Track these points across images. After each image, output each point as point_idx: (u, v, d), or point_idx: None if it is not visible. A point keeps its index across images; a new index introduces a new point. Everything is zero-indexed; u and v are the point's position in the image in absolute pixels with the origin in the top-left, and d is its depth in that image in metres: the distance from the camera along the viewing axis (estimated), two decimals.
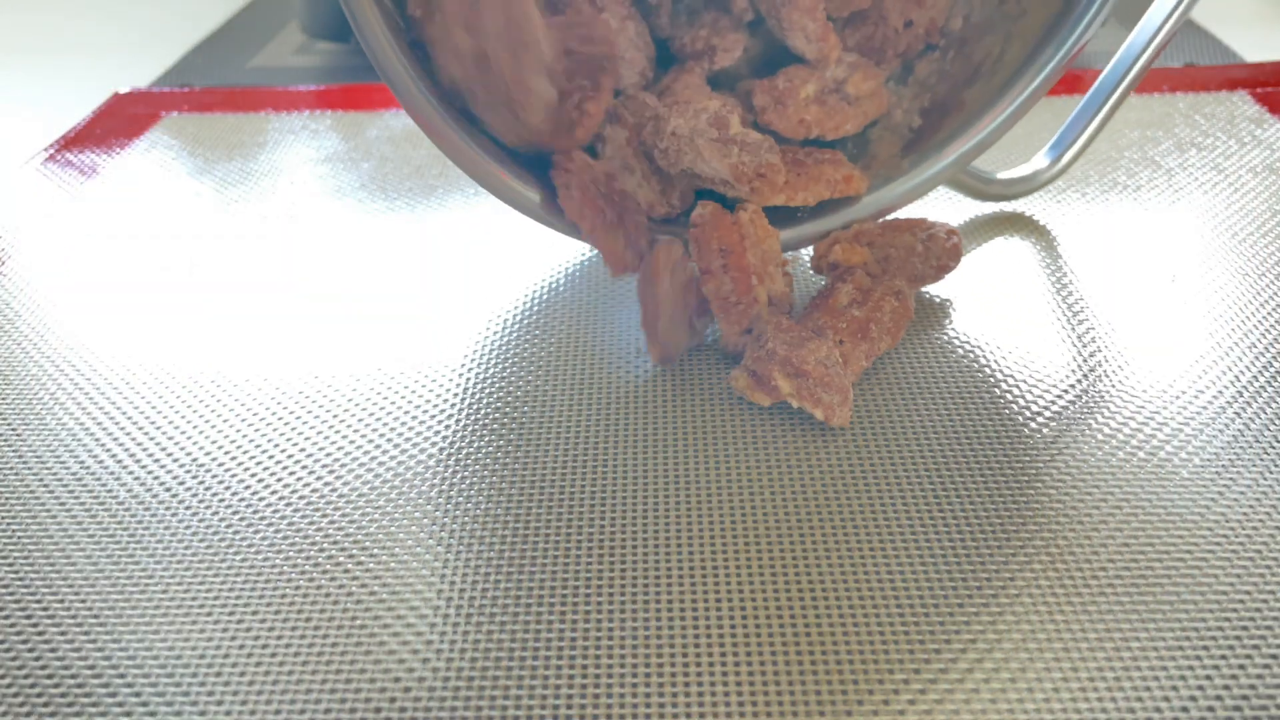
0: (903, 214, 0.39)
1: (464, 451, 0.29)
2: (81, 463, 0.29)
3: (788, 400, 0.29)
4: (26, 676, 0.23)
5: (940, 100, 0.35)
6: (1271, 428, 0.29)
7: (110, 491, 0.28)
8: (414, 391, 0.32)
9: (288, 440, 0.30)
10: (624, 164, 0.32)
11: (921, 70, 0.36)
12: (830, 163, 0.33)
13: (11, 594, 0.25)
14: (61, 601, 0.25)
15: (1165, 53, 0.64)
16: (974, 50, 0.35)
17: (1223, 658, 0.22)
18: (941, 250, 0.34)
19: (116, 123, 0.53)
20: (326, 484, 0.28)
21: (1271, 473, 0.27)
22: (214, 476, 0.29)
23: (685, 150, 0.30)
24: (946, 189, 0.42)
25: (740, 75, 0.36)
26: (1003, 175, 0.40)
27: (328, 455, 0.29)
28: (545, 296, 0.37)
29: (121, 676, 0.23)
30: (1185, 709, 0.21)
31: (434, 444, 0.30)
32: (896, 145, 0.35)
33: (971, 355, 0.33)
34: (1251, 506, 0.26)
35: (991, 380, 0.31)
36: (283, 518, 0.27)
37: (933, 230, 0.34)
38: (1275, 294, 0.35)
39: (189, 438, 0.30)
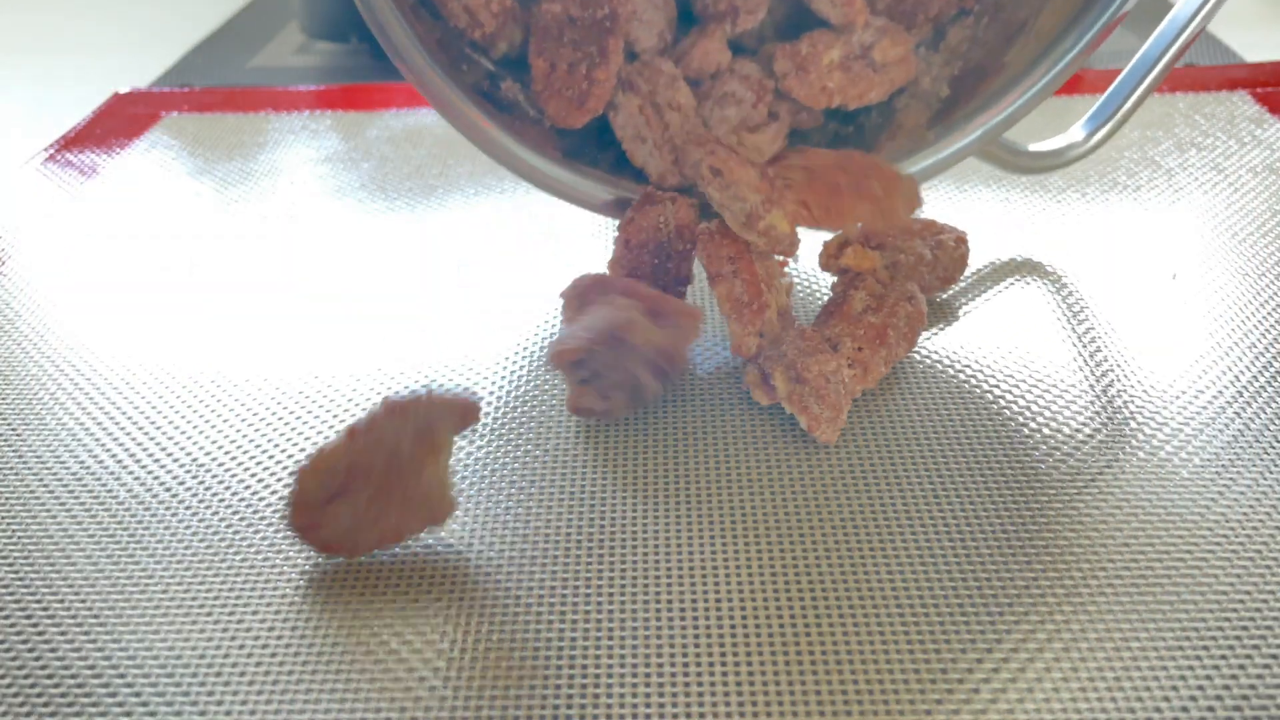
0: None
1: (464, 451, 0.29)
2: (81, 463, 0.29)
3: (783, 403, 0.29)
4: (26, 676, 0.23)
5: (972, 68, 0.34)
6: (1271, 428, 0.29)
7: (110, 491, 0.28)
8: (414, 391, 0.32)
9: (288, 440, 0.30)
10: (636, 133, 0.32)
11: (954, 37, 0.34)
12: (867, 199, 0.31)
13: (11, 594, 0.25)
14: (61, 601, 0.25)
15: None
16: (1010, 16, 0.33)
17: (1223, 658, 0.22)
18: (950, 260, 0.34)
19: (116, 123, 0.53)
20: None
21: (1271, 473, 0.27)
22: (214, 476, 0.29)
23: (713, 200, 0.30)
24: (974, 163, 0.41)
25: (764, 38, 0.35)
26: (1034, 148, 0.38)
27: None
28: (545, 296, 0.37)
29: (121, 676, 0.23)
30: (1185, 709, 0.21)
31: None
32: (924, 115, 0.34)
33: (971, 355, 0.33)
34: (1251, 506, 0.26)
35: (991, 380, 0.31)
36: (283, 518, 0.27)
37: (941, 236, 0.34)
38: (1275, 294, 0.35)
39: (189, 438, 0.30)
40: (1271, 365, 0.32)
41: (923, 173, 0.34)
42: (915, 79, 0.34)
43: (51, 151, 0.49)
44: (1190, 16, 0.36)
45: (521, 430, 0.30)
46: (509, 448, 0.29)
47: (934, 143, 0.33)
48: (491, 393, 0.32)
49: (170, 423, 0.31)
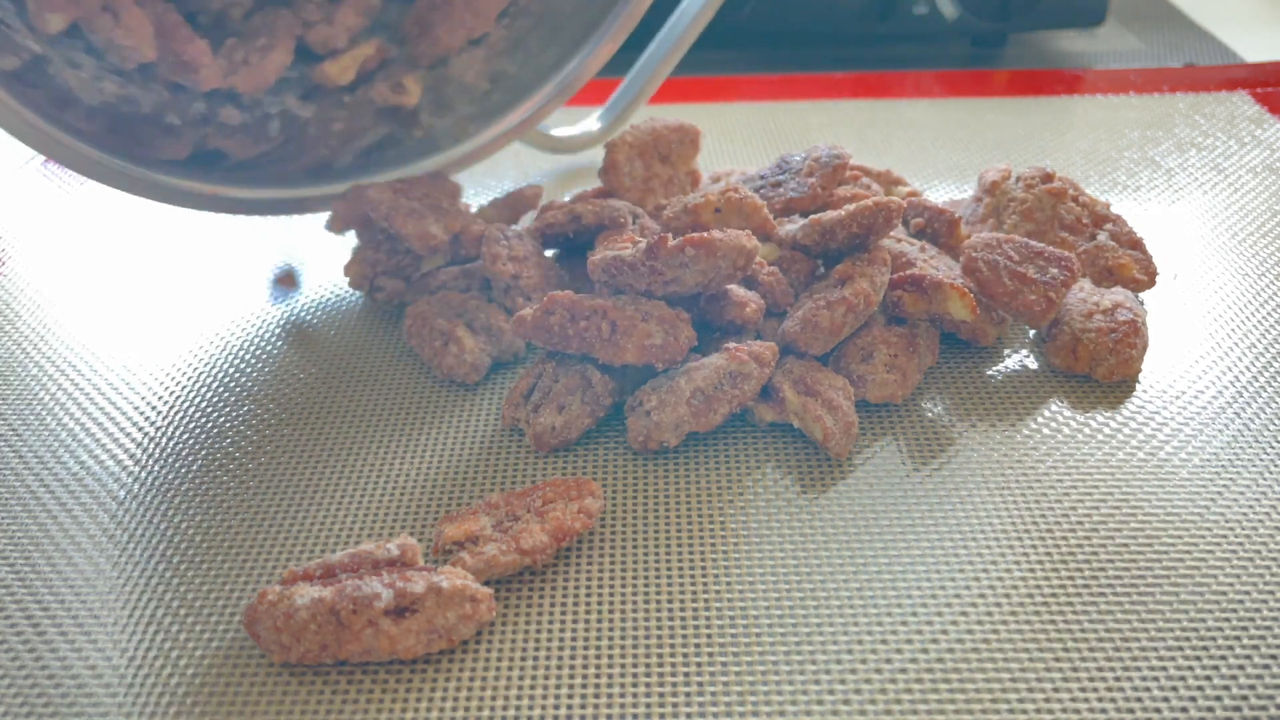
0: None
1: (464, 450, 0.29)
2: (81, 463, 0.29)
3: (790, 419, 0.29)
4: (26, 677, 0.23)
5: (514, 77, 0.40)
6: (1271, 428, 0.29)
7: (110, 491, 0.28)
8: (414, 392, 0.32)
9: (288, 440, 0.30)
10: None
11: (494, 35, 0.39)
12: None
13: (11, 594, 0.25)
14: (61, 601, 0.25)
15: (1165, 53, 0.64)
16: (546, 23, 0.40)
17: (1222, 658, 0.22)
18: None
19: None
20: (326, 484, 0.28)
21: (1271, 473, 0.27)
22: (214, 477, 0.29)
23: None
24: None
25: None
26: (558, 133, 0.44)
27: (327, 455, 0.29)
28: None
29: (121, 677, 0.23)
30: (1185, 709, 0.21)
31: (433, 443, 0.30)
32: (472, 107, 0.40)
33: (970, 354, 0.33)
34: (1251, 506, 0.26)
35: (991, 380, 0.31)
36: (283, 518, 0.27)
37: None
38: (1275, 294, 0.35)
39: (189, 438, 0.30)
40: (1271, 365, 0.32)
41: (466, 156, 0.39)
42: (460, 73, 0.39)
43: None
44: (696, 13, 0.42)
45: (520, 431, 0.30)
46: (509, 448, 0.29)
47: (475, 134, 0.39)
48: (490, 394, 0.32)
49: (170, 423, 0.31)
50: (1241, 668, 0.22)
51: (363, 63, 0.36)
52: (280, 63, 0.34)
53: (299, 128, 0.35)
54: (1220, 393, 0.30)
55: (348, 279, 0.36)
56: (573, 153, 0.45)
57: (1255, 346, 0.32)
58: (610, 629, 0.24)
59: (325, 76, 0.35)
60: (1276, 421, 0.29)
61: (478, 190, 0.44)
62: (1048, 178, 0.36)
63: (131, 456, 0.30)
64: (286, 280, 0.37)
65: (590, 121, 0.45)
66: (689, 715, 0.22)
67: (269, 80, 0.34)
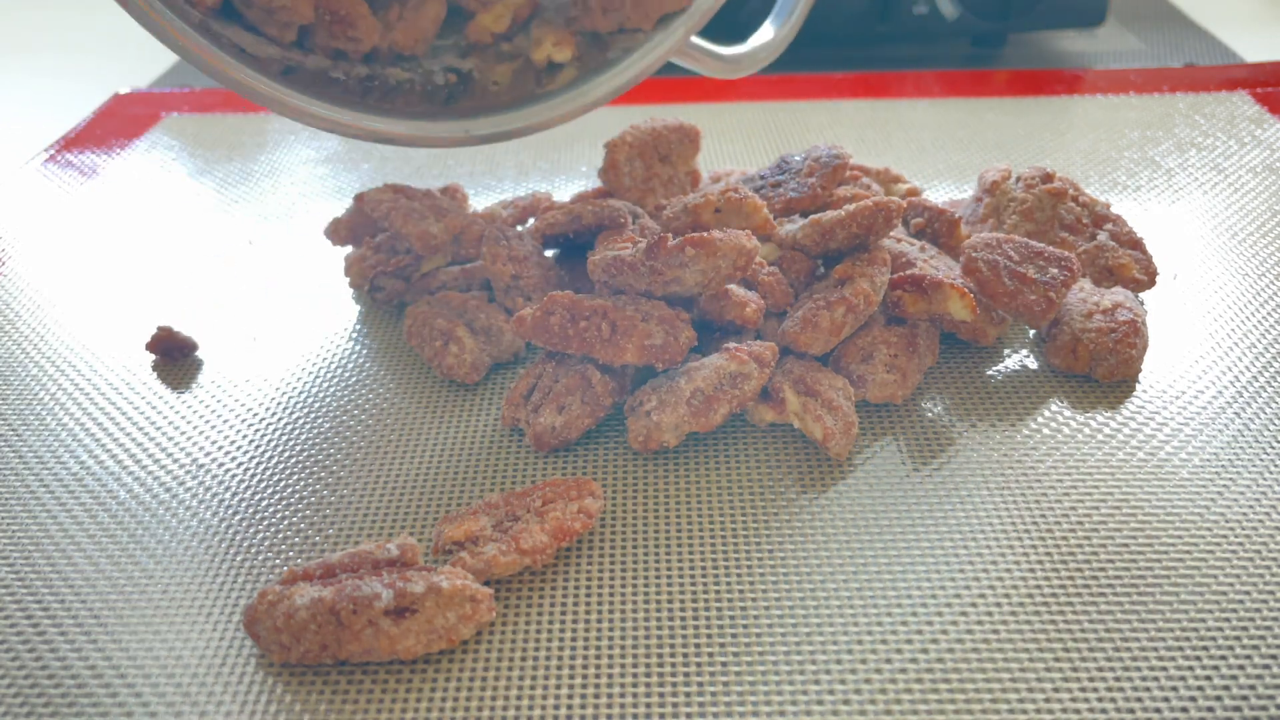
0: None
1: (464, 450, 0.29)
2: (81, 463, 0.29)
3: (790, 420, 0.29)
4: (26, 677, 0.23)
5: None
6: (1271, 428, 0.29)
7: (110, 491, 0.28)
8: (414, 392, 0.32)
9: (287, 440, 0.30)
10: None
11: None
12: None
13: (11, 594, 0.25)
14: (61, 601, 0.25)
15: (1165, 53, 0.64)
16: None
17: (1222, 658, 0.22)
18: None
19: (116, 123, 0.53)
20: (326, 484, 0.28)
21: (1271, 473, 0.27)
22: (214, 477, 0.29)
23: None
24: None
25: None
26: (726, 51, 0.38)
27: (327, 456, 0.29)
28: None
29: (122, 677, 0.23)
30: (1185, 709, 0.21)
31: (433, 443, 0.30)
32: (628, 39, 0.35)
33: (970, 354, 0.33)
34: (1251, 506, 0.26)
35: (991, 380, 0.31)
36: (283, 518, 0.27)
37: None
38: (1275, 294, 0.35)
39: (189, 438, 0.30)
40: (1271, 365, 0.32)
41: (625, 83, 0.34)
42: None
43: (51, 152, 0.49)
44: None
45: (521, 432, 0.30)
46: (509, 448, 0.29)
47: (631, 52, 0.34)
48: (488, 396, 0.32)
49: (170, 423, 0.31)
50: (1241, 668, 0.22)
51: (515, 9, 0.34)
52: (437, 14, 0.33)
53: (463, 75, 0.34)
54: (1220, 393, 0.30)
55: (348, 279, 0.37)
56: (749, 71, 0.39)
57: (1255, 346, 0.32)
58: (610, 629, 0.24)
59: (480, 27, 0.34)
60: (1276, 421, 0.29)
61: (478, 190, 0.44)
62: (1048, 178, 0.36)
63: (131, 456, 0.30)
64: (162, 345, 0.34)
65: (763, 32, 0.39)
66: (689, 715, 0.22)
67: (427, 32, 0.33)
